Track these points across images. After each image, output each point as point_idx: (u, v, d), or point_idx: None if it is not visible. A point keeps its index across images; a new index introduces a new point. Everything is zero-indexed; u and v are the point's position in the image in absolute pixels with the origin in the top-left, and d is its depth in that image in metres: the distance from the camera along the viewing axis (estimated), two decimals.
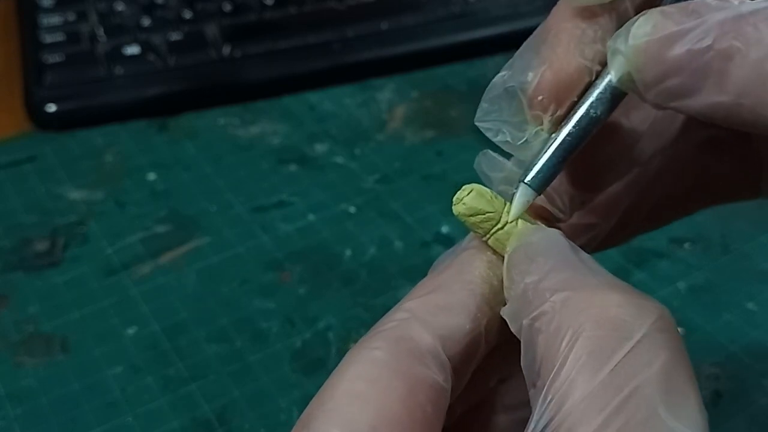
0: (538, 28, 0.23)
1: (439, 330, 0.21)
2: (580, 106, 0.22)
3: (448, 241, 0.44)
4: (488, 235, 0.23)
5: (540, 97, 0.22)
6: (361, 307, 0.42)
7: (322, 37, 0.57)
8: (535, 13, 0.58)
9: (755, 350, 0.39)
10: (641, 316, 0.18)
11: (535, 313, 0.20)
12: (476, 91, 0.55)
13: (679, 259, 0.44)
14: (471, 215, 0.23)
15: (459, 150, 0.50)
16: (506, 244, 0.22)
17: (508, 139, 0.23)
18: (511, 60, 0.23)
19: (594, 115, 0.22)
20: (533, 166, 0.22)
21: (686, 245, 0.44)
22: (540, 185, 0.23)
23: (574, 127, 0.22)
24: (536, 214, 0.24)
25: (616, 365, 0.18)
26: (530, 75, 0.22)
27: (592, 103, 0.22)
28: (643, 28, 0.20)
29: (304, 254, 0.45)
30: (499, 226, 0.22)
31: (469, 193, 0.23)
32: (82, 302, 0.42)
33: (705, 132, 0.27)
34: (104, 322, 0.41)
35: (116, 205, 0.48)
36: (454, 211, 0.23)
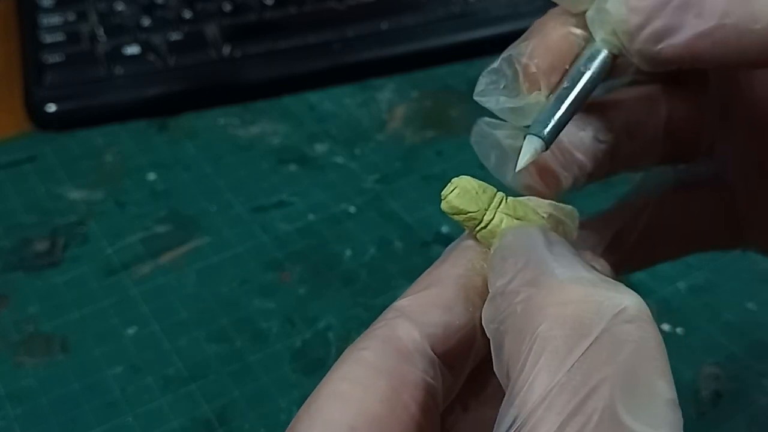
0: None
1: (427, 327, 0.21)
2: (573, 67, 0.23)
3: (448, 241, 0.44)
4: (474, 233, 0.22)
5: (535, 60, 0.23)
6: (361, 307, 0.42)
7: (322, 37, 0.57)
8: (535, 13, 0.57)
9: (755, 350, 0.39)
10: (601, 310, 0.18)
11: (501, 316, 0.19)
12: None
13: (679, 259, 0.44)
14: (454, 214, 0.22)
15: (459, 150, 0.50)
16: (491, 243, 0.22)
17: (509, 105, 0.23)
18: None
19: (585, 71, 0.23)
20: (537, 119, 0.23)
21: None
22: (547, 133, 0.23)
23: (569, 82, 0.23)
24: (541, 178, 0.24)
25: (573, 364, 0.17)
26: (524, 45, 0.23)
27: (582, 62, 0.23)
28: None
29: (304, 254, 0.45)
30: (482, 225, 0.22)
31: (452, 191, 0.22)
32: (82, 302, 0.42)
33: (676, 171, 0.29)
34: (104, 322, 0.41)
35: (116, 205, 0.48)
36: (441, 208, 0.23)
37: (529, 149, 0.23)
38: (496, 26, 0.58)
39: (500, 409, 0.18)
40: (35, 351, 0.40)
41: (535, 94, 0.23)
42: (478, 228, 0.22)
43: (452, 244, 0.24)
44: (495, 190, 0.23)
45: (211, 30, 0.57)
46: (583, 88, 0.23)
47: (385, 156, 0.51)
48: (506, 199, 0.23)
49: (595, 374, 0.17)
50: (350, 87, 0.56)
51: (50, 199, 0.48)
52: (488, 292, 0.21)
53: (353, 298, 0.42)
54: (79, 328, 0.41)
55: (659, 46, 0.21)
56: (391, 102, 0.55)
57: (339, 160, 0.50)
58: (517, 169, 0.23)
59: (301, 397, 0.38)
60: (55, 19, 0.57)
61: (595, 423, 0.16)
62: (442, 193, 0.23)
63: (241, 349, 0.40)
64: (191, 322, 0.41)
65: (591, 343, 0.17)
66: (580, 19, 0.23)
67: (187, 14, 0.58)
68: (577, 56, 0.23)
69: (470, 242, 0.23)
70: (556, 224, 0.23)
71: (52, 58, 0.54)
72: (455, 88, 0.56)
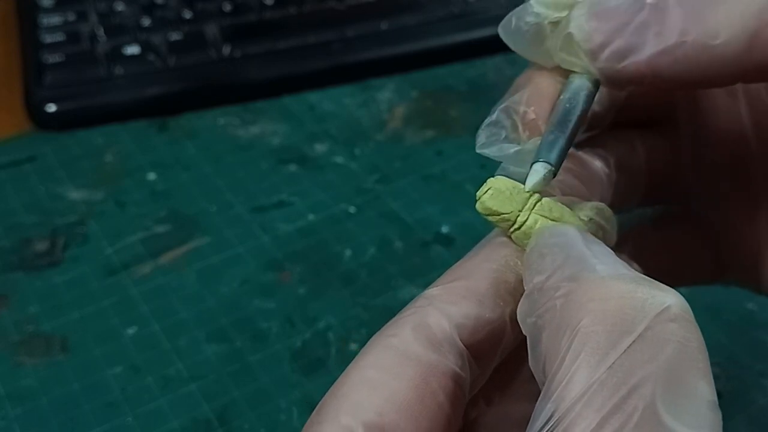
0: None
1: (457, 318, 0.21)
2: (559, 100, 0.24)
3: (448, 241, 0.44)
4: (508, 234, 0.22)
5: (532, 107, 0.24)
6: (361, 307, 0.42)
7: (322, 37, 0.57)
8: None
9: (755, 350, 0.39)
10: (644, 307, 0.18)
11: (539, 311, 0.19)
12: (476, 91, 0.55)
13: None
14: (488, 215, 0.22)
15: (459, 150, 0.50)
16: (525, 243, 0.22)
17: (513, 150, 0.23)
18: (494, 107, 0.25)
19: (571, 99, 0.23)
20: (540, 149, 0.23)
21: None
22: (555, 160, 0.23)
23: (561, 112, 0.23)
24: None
25: (614, 362, 0.17)
26: (518, 95, 0.24)
27: (567, 93, 0.24)
28: (581, 9, 0.23)
29: (304, 254, 0.45)
30: (516, 227, 0.22)
31: (486, 191, 0.22)
32: (82, 302, 0.42)
33: (657, 208, 0.29)
34: (104, 322, 0.41)
35: (116, 205, 0.48)
36: (476, 208, 0.23)
37: (537, 177, 0.22)
38: (496, 26, 0.57)
39: (536, 405, 0.18)
40: (35, 351, 0.40)
41: (534, 139, 0.23)
42: (512, 229, 0.22)
43: (485, 238, 0.23)
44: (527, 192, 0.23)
45: (211, 30, 0.57)
46: (574, 118, 0.23)
47: (385, 156, 0.51)
48: (542, 200, 0.22)
49: (637, 372, 0.17)
50: (350, 87, 0.56)
51: (50, 199, 0.48)
52: (521, 289, 0.21)
53: (353, 298, 0.42)
54: (79, 328, 0.41)
55: (622, 64, 0.22)
56: (391, 102, 0.55)
57: (339, 160, 0.50)
58: (527, 190, 0.22)
59: (301, 397, 0.38)
60: (55, 19, 0.57)
61: (636, 422, 0.16)
62: (477, 193, 0.22)
63: (241, 349, 0.40)
64: (191, 322, 0.41)
65: (633, 341, 0.17)
66: (562, 71, 0.24)
67: (187, 14, 0.58)
68: (561, 91, 0.24)
69: (505, 238, 0.23)
70: (596, 229, 0.23)
71: (52, 58, 0.54)
72: (455, 88, 0.56)
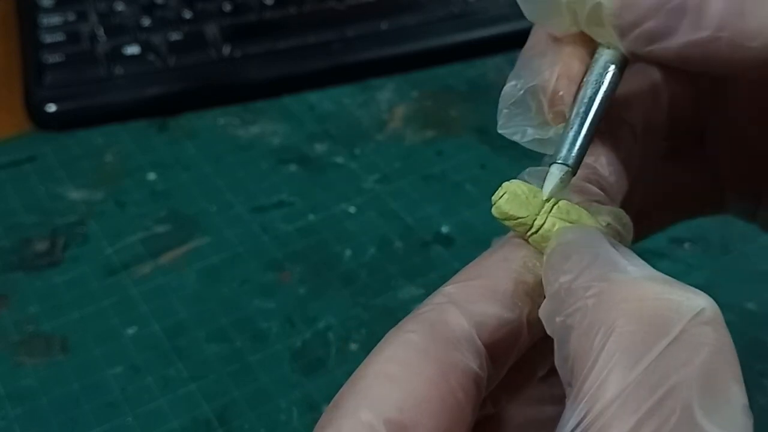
0: (527, 44, 0.24)
1: (476, 316, 0.21)
2: (585, 84, 0.23)
3: (448, 241, 0.44)
4: (526, 238, 0.22)
5: (560, 92, 0.23)
6: (361, 307, 0.42)
7: (322, 37, 0.57)
8: None
9: (755, 350, 0.39)
10: (680, 309, 0.17)
11: (568, 311, 0.19)
12: (476, 91, 0.55)
13: (679, 259, 0.44)
14: (504, 219, 0.22)
15: (459, 150, 0.50)
16: (543, 246, 0.22)
17: (536, 137, 0.23)
18: (514, 70, 0.24)
19: (598, 89, 0.23)
20: (559, 146, 0.22)
21: (686, 245, 0.44)
22: (573, 160, 0.22)
23: (584, 101, 0.23)
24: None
25: (650, 363, 0.17)
26: (546, 73, 0.23)
27: (593, 78, 0.23)
28: None
29: (304, 254, 0.45)
30: (533, 230, 0.22)
31: (502, 195, 0.22)
32: (82, 302, 0.42)
33: (665, 142, 0.28)
34: (104, 322, 0.41)
35: (116, 205, 0.48)
36: (492, 213, 0.22)
37: (553, 180, 0.22)
38: (496, 26, 0.58)
39: (567, 405, 0.18)
40: (35, 351, 0.40)
41: (558, 127, 0.23)
42: (529, 233, 0.22)
43: (501, 238, 0.23)
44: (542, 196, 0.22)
45: (211, 30, 0.57)
46: (598, 107, 0.23)
47: (385, 156, 0.51)
48: (559, 202, 0.22)
49: (674, 375, 0.17)
50: (350, 87, 0.56)
51: (50, 199, 0.48)
52: (538, 291, 0.21)
53: (353, 298, 0.42)
54: (79, 328, 0.41)
55: (650, 48, 0.21)
56: (391, 102, 0.55)
57: (339, 160, 0.50)
58: (545, 197, 0.22)
59: (301, 397, 0.38)
60: (55, 19, 0.57)
61: (673, 425, 0.16)
62: (492, 197, 0.22)
63: (241, 349, 0.40)
64: (191, 322, 0.41)
65: (669, 343, 0.17)
66: (584, 39, 0.23)
67: (187, 14, 0.58)
68: (587, 71, 0.23)
69: (522, 239, 0.22)
70: (614, 234, 0.23)
71: (52, 58, 0.54)
72: (455, 88, 0.56)
